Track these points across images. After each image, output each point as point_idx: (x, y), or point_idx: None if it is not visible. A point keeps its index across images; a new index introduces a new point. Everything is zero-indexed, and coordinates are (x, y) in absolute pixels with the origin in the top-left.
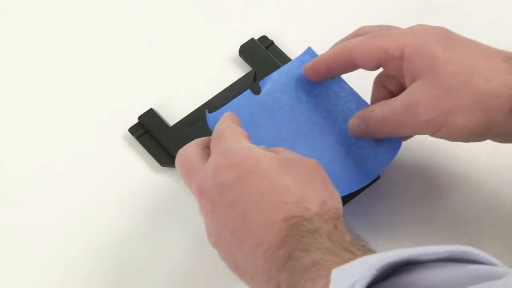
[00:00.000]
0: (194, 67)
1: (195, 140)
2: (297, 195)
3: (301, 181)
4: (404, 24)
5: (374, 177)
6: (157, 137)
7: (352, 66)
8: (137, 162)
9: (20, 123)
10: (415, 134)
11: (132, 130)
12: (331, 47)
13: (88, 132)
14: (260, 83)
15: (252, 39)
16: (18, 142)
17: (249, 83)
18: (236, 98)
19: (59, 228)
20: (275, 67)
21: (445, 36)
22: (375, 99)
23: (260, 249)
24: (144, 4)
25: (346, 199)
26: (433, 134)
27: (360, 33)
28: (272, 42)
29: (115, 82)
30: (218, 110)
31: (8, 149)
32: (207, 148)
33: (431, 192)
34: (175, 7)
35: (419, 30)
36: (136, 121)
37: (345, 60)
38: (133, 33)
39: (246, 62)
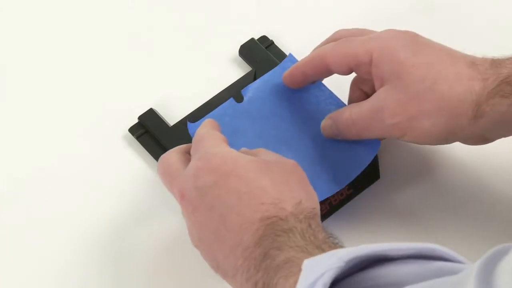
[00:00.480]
0: (194, 67)
1: (176, 147)
2: (273, 196)
3: (278, 183)
4: (404, 24)
5: (354, 177)
6: (157, 137)
7: (327, 72)
8: (137, 162)
9: (20, 123)
10: (384, 137)
11: (132, 130)
12: (310, 52)
13: (88, 132)
14: (242, 91)
15: (252, 39)
16: (18, 142)
17: (249, 83)
18: (219, 106)
19: (59, 228)
20: (275, 67)
21: (412, 41)
22: (351, 100)
23: (239, 249)
24: (144, 4)
25: (345, 199)
26: (399, 138)
27: (336, 37)
28: (272, 42)
29: (115, 82)
30: (200, 120)
31: (8, 148)
32: (187, 154)
33: (431, 192)
34: (175, 7)
35: (387, 35)
36: (136, 121)
37: (319, 67)
38: (133, 33)
39: (246, 62)
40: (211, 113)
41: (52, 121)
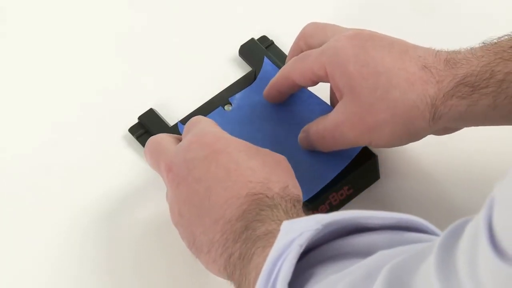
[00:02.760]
0: (194, 67)
1: (168, 134)
2: (262, 176)
3: (267, 167)
4: (404, 24)
5: (337, 173)
6: None
7: (298, 87)
8: (137, 162)
9: (20, 123)
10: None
11: (132, 130)
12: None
13: (88, 131)
14: (230, 99)
15: (252, 39)
16: (18, 142)
17: (249, 83)
18: (208, 115)
19: (58, 228)
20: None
21: (362, 47)
22: (331, 99)
23: (220, 223)
24: (144, 4)
25: (345, 199)
26: (368, 145)
27: (304, 34)
28: (272, 42)
29: (115, 82)
30: None
31: (8, 148)
32: (178, 141)
33: (431, 192)
34: (175, 7)
35: (339, 44)
36: (136, 121)
37: (289, 84)
38: (133, 33)
39: (246, 62)
40: None
41: (52, 121)
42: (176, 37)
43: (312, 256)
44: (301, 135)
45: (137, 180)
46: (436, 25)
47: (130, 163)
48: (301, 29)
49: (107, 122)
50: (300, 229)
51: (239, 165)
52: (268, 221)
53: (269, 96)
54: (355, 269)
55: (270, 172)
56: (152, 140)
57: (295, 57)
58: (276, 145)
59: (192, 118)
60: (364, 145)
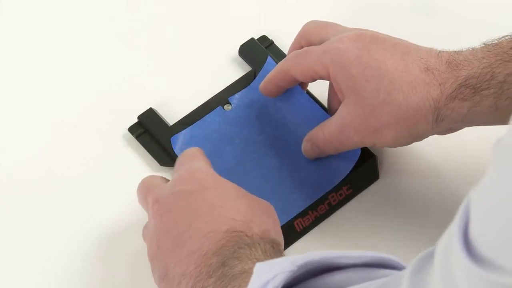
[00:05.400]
0: (194, 67)
1: (161, 176)
2: (245, 216)
3: (253, 210)
4: (404, 24)
5: (342, 179)
6: (156, 137)
7: (296, 82)
8: (136, 162)
9: (19, 122)
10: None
11: (131, 129)
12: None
13: (87, 131)
14: (230, 99)
15: (252, 39)
16: (18, 141)
17: (249, 83)
18: (207, 115)
19: (58, 228)
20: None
21: (365, 49)
22: (329, 98)
23: (196, 255)
24: (144, 4)
25: (345, 199)
26: (372, 146)
27: (304, 33)
28: (272, 42)
29: (115, 81)
30: (184, 131)
31: (7, 147)
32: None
33: (431, 192)
34: (174, 7)
35: (342, 46)
36: (135, 120)
37: (287, 79)
38: (133, 32)
39: (246, 62)
40: (199, 121)
41: (52, 121)
42: (176, 36)
43: None
44: (305, 144)
45: (137, 179)
46: (436, 25)
47: (129, 163)
48: (301, 28)
49: (107, 122)
50: (274, 271)
51: (224, 202)
52: (246, 259)
53: (266, 90)
54: None
55: (254, 214)
56: (144, 179)
57: (296, 51)
58: (277, 150)
59: (187, 150)
60: (368, 146)
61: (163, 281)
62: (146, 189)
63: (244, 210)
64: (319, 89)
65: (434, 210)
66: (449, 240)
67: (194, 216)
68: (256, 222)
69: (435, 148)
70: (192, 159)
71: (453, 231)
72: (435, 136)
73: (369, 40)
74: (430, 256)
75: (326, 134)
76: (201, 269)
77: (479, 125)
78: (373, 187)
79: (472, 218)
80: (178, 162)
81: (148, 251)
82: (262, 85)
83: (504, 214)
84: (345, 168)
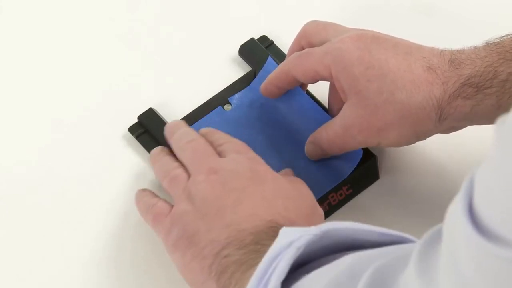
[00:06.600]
0: (194, 67)
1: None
2: (290, 215)
3: (299, 213)
4: (404, 24)
5: (346, 176)
6: (156, 137)
7: (297, 83)
8: (136, 162)
9: (19, 122)
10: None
11: (131, 129)
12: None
13: (87, 131)
14: (230, 99)
15: (252, 39)
16: (18, 142)
17: (249, 83)
18: (207, 115)
19: (58, 228)
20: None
21: (366, 49)
22: (330, 98)
23: (231, 228)
24: (144, 4)
25: (345, 199)
26: (376, 146)
27: (304, 33)
28: (272, 42)
29: (114, 81)
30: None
31: (8, 148)
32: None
33: (432, 192)
34: (174, 7)
35: (343, 46)
36: (135, 120)
37: (289, 80)
38: (133, 32)
39: (246, 62)
40: (199, 121)
41: (52, 121)
42: (176, 36)
43: (305, 268)
44: (309, 146)
45: (137, 180)
46: (436, 25)
47: (129, 163)
48: (301, 29)
49: (107, 122)
50: (299, 233)
51: (276, 197)
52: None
53: (266, 90)
54: (339, 268)
55: (298, 217)
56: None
57: (297, 52)
58: (277, 150)
59: (238, 141)
60: (372, 146)
61: (187, 239)
62: (206, 156)
63: (291, 210)
64: (320, 90)
65: (434, 210)
66: (454, 212)
67: (245, 198)
68: (298, 224)
69: (435, 148)
70: (249, 150)
71: (458, 203)
72: (435, 135)
73: (371, 40)
74: (439, 232)
75: (330, 134)
76: (232, 241)
77: (481, 124)
78: (373, 187)
79: (476, 192)
80: (236, 144)
81: (184, 204)
82: (263, 86)
83: (508, 189)
84: (347, 169)
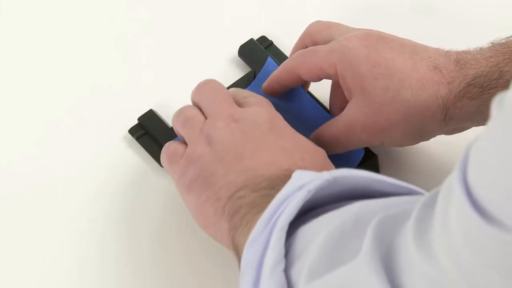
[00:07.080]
0: (194, 68)
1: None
2: (307, 167)
3: (315, 165)
4: (404, 24)
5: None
6: (157, 138)
7: (301, 80)
8: (137, 163)
9: (17, 123)
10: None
11: (132, 131)
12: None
13: (88, 133)
14: None
15: (252, 39)
16: (18, 142)
17: (249, 84)
18: None
19: (58, 229)
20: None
21: (373, 47)
22: (332, 97)
23: (249, 172)
24: (144, 5)
25: None
26: (380, 145)
27: (309, 32)
28: (271, 42)
29: (114, 82)
30: None
31: (7, 149)
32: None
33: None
34: (174, 7)
35: (349, 44)
36: (136, 122)
37: (292, 78)
38: (133, 33)
39: (245, 62)
40: None
41: (52, 122)
42: (176, 37)
43: (314, 213)
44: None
45: (137, 182)
46: (436, 25)
47: (130, 164)
48: (300, 29)
49: (107, 123)
50: (311, 177)
51: (294, 149)
52: None
53: (269, 88)
54: (345, 215)
55: (315, 169)
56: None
57: (301, 50)
58: None
59: (261, 97)
60: (375, 145)
61: (203, 180)
62: (228, 102)
63: (308, 162)
64: (320, 90)
65: None
66: (449, 186)
67: (264, 148)
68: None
69: (436, 149)
70: (271, 105)
71: (453, 176)
72: (436, 136)
73: (377, 39)
74: (437, 195)
75: (333, 132)
76: (247, 184)
77: (486, 125)
78: None
79: (469, 169)
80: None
81: (200, 149)
82: (265, 83)
83: (502, 166)
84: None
